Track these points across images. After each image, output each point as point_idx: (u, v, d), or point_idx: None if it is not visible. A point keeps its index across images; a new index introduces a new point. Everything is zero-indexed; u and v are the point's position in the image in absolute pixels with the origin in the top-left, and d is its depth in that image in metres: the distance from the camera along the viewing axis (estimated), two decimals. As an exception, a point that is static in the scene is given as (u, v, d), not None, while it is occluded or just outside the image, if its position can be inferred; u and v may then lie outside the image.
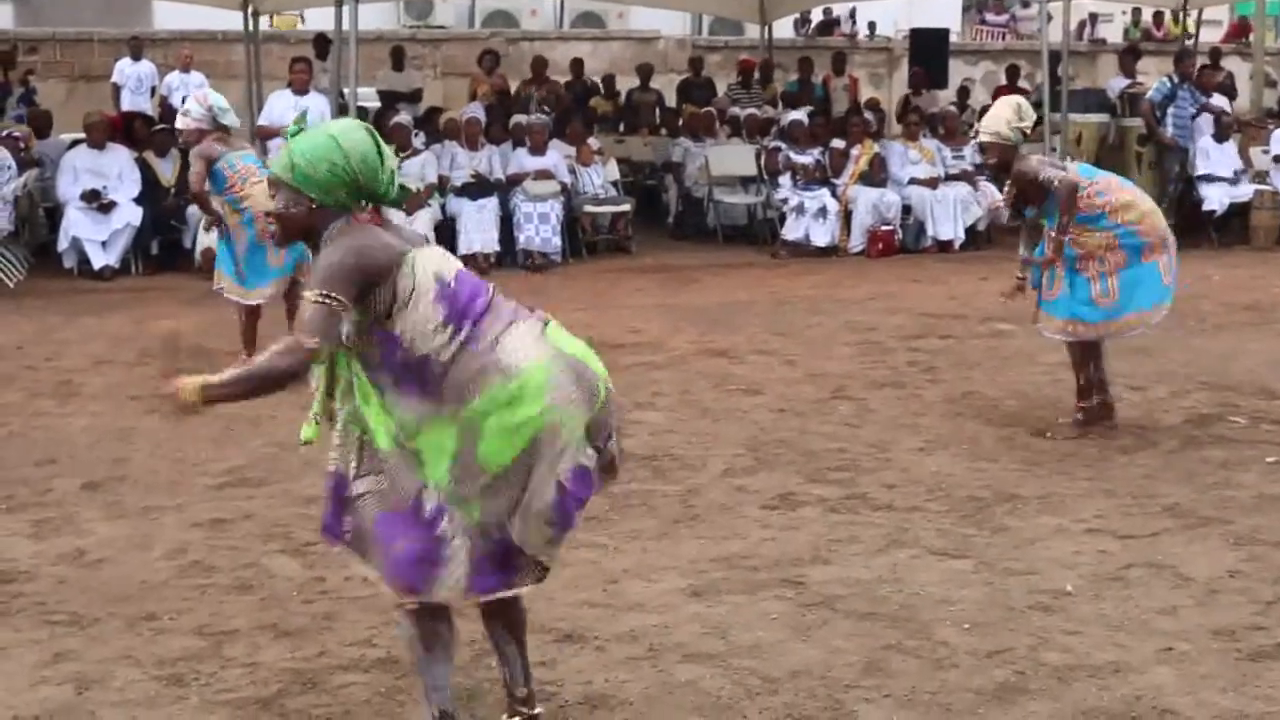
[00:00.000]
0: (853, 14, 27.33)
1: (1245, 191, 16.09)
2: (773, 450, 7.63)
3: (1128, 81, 17.97)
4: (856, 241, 15.64)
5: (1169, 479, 7.09)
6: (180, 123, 9.77)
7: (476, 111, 16.30)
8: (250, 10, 17.42)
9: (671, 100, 19.77)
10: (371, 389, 3.99)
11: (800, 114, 16.97)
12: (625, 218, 15.88)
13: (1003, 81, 20.68)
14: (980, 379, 9.24)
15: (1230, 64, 21.11)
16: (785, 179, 15.97)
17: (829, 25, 26.78)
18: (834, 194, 15.75)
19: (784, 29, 24.13)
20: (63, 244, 14.06)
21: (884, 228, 15.65)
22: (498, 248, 14.65)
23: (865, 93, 21.52)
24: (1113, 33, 27.93)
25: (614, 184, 16.20)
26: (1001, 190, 8.20)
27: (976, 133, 8.14)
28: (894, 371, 9.57)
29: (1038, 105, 16.83)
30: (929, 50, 21.13)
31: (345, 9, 13.92)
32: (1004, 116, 7.74)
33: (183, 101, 11.56)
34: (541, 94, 18.18)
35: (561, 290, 13.13)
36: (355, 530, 4.07)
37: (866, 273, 14.27)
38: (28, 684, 4.81)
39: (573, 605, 5.43)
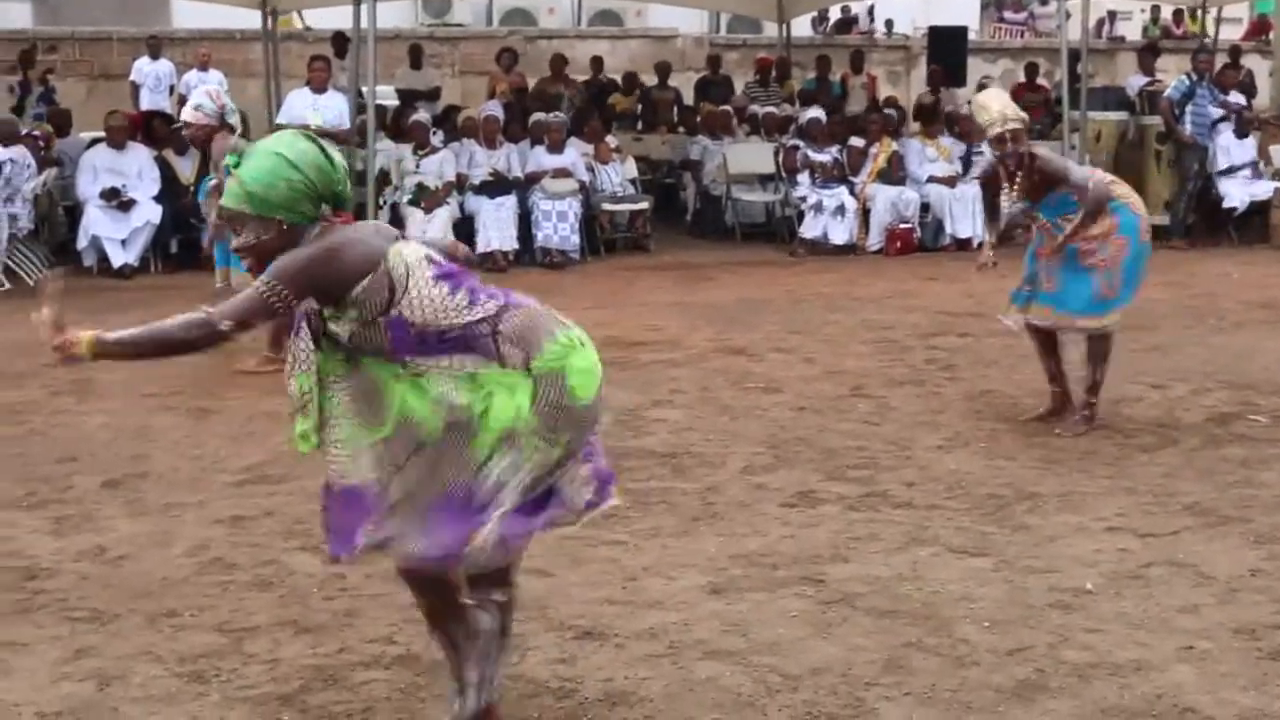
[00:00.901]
0: (870, 11, 27.31)
1: (1265, 190, 16.05)
2: (792, 448, 7.63)
3: (1147, 79, 17.95)
4: (874, 240, 15.63)
5: (1189, 477, 7.07)
6: (191, 117, 9.68)
7: (495, 109, 16.31)
8: (269, 9, 17.45)
9: (689, 98, 19.77)
10: (398, 376, 3.97)
11: (818, 112, 16.96)
12: (643, 216, 15.88)
13: (1021, 79, 20.64)
14: (999, 377, 9.22)
15: (1250, 62, 21.05)
16: (803, 177, 15.96)
17: (847, 23, 26.78)
18: (852, 192, 15.74)
19: (802, 27, 24.12)
20: (82, 242, 14.10)
21: (902, 226, 15.63)
22: (516, 246, 14.66)
23: (883, 91, 21.51)
24: (1131, 30, 27.86)
25: (632, 182, 16.21)
26: (1008, 184, 8.07)
27: (998, 125, 7.95)
28: (913, 369, 9.56)
29: (1057, 102, 16.90)
30: (947, 48, 21.09)
31: (363, 7, 13.94)
32: (1009, 106, 7.74)
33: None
34: (572, 92, 18.20)
35: (579, 288, 13.14)
36: (390, 535, 3.99)
37: (884, 271, 14.26)
38: (49, 680, 4.82)
39: (592, 602, 5.44)
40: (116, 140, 14.31)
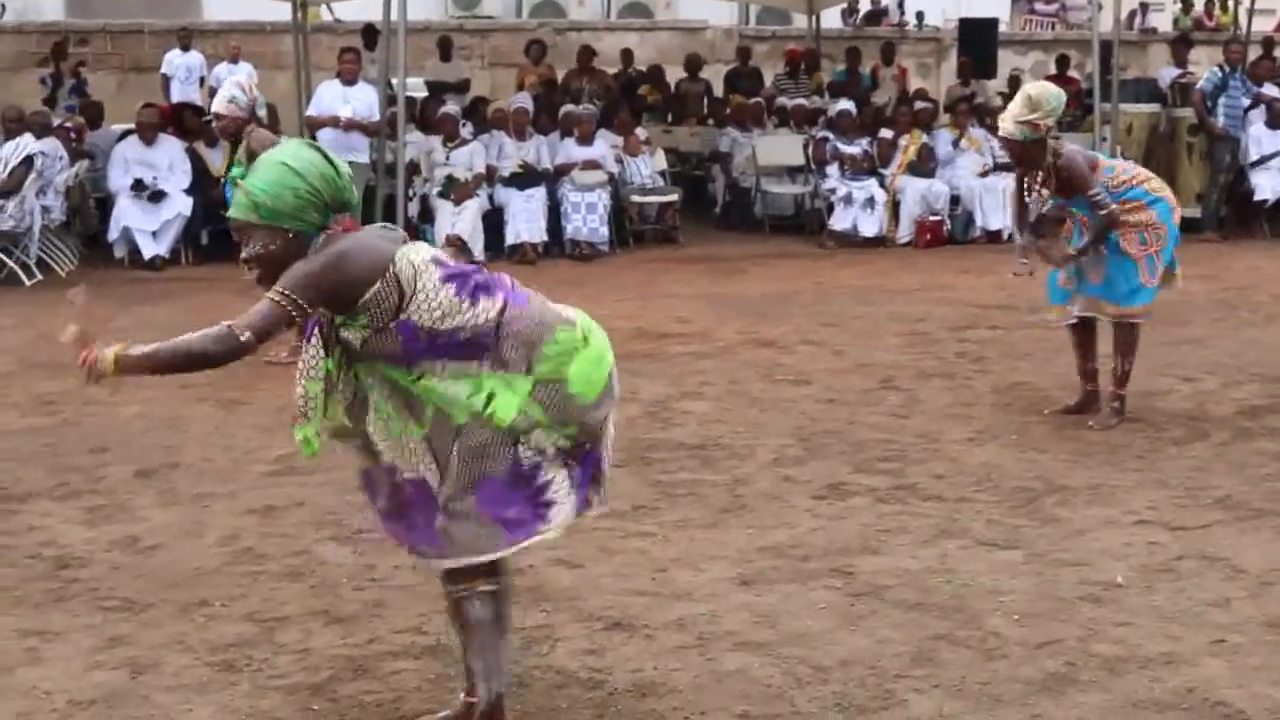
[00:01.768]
0: (900, 3, 27.22)
1: (1298, 182, 15.97)
2: (821, 440, 7.62)
3: (1179, 71, 17.83)
4: (904, 232, 15.60)
5: (1220, 470, 7.05)
6: (224, 109, 9.67)
7: (524, 101, 16.31)
8: (299, 1, 17.48)
9: (719, 90, 19.75)
10: (408, 380, 4.00)
11: (848, 104, 16.92)
12: (672, 208, 15.88)
13: (1053, 71, 20.54)
14: (1029, 369, 9.20)
15: (1283, 53, 20.90)
16: (833, 169, 15.94)
17: (877, 15, 26.68)
18: (882, 184, 15.71)
19: (832, 19, 24.04)
20: (113, 234, 14.17)
21: (932, 218, 15.60)
22: (545, 238, 14.67)
23: (914, 83, 21.43)
24: (1163, 22, 27.73)
25: (661, 174, 16.21)
26: (1023, 184, 8.09)
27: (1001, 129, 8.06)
28: (942, 362, 9.54)
29: (1088, 94, 16.83)
30: (978, 40, 21.01)
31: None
32: (1012, 113, 7.70)
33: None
34: (593, 86, 18.20)
35: (608, 280, 13.15)
36: (447, 533, 4.01)
37: (914, 263, 14.23)
38: (83, 668, 4.85)
39: (621, 594, 5.45)
40: (147, 136, 14.37)
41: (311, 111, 14.61)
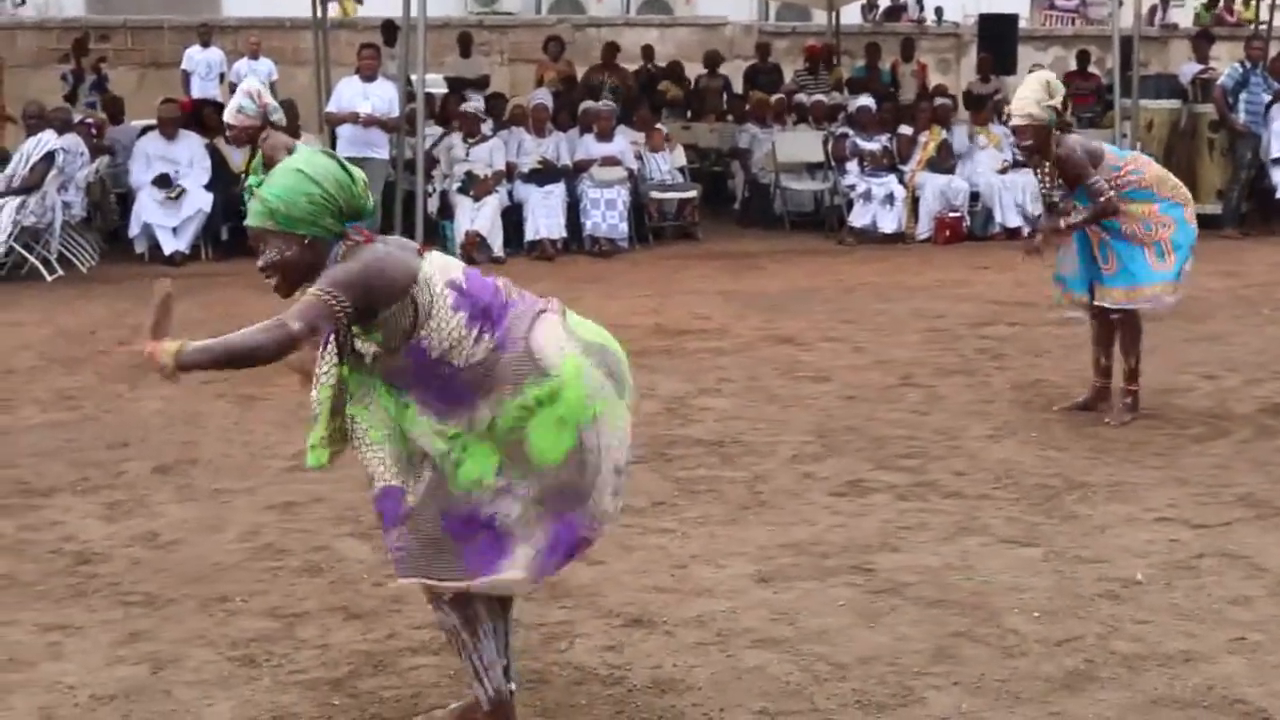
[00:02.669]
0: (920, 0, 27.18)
1: (1320, 178, 15.91)
2: (841, 437, 7.62)
3: (1200, 67, 17.77)
4: (924, 228, 15.58)
5: (1241, 468, 7.03)
6: (234, 119, 9.74)
7: (544, 98, 16.33)
8: (318, -3, 17.52)
9: (738, 86, 19.73)
10: (402, 401, 4.01)
11: (867, 100, 16.90)
12: (692, 204, 15.89)
13: (1073, 67, 20.49)
14: (1049, 366, 9.18)
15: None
16: (852, 165, 15.92)
17: (896, 11, 26.64)
18: (901, 180, 15.69)
19: (851, 14, 24.02)
20: (134, 230, 14.22)
21: (951, 214, 15.58)
22: (564, 234, 14.68)
23: (933, 79, 21.41)
24: (1184, 17, 27.64)
25: (681, 170, 16.20)
26: (1035, 172, 8.15)
27: (1008, 115, 8.06)
28: (962, 359, 9.53)
29: (1109, 90, 16.78)
30: (997, 36, 20.98)
31: (413, -6, 13.98)
32: (1034, 96, 7.67)
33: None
34: (614, 81, 18.20)
35: (628, 276, 13.16)
36: (407, 549, 4.00)
37: (934, 259, 14.21)
38: (104, 663, 4.87)
39: (641, 590, 5.45)
40: (168, 132, 14.41)
41: (331, 108, 14.63)
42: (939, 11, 27.22)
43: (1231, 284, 12.27)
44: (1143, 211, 7.73)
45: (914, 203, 15.65)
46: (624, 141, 15.44)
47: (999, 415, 8.05)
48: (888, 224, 15.51)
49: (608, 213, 14.69)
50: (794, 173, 16.58)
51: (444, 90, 17.45)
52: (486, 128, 15.14)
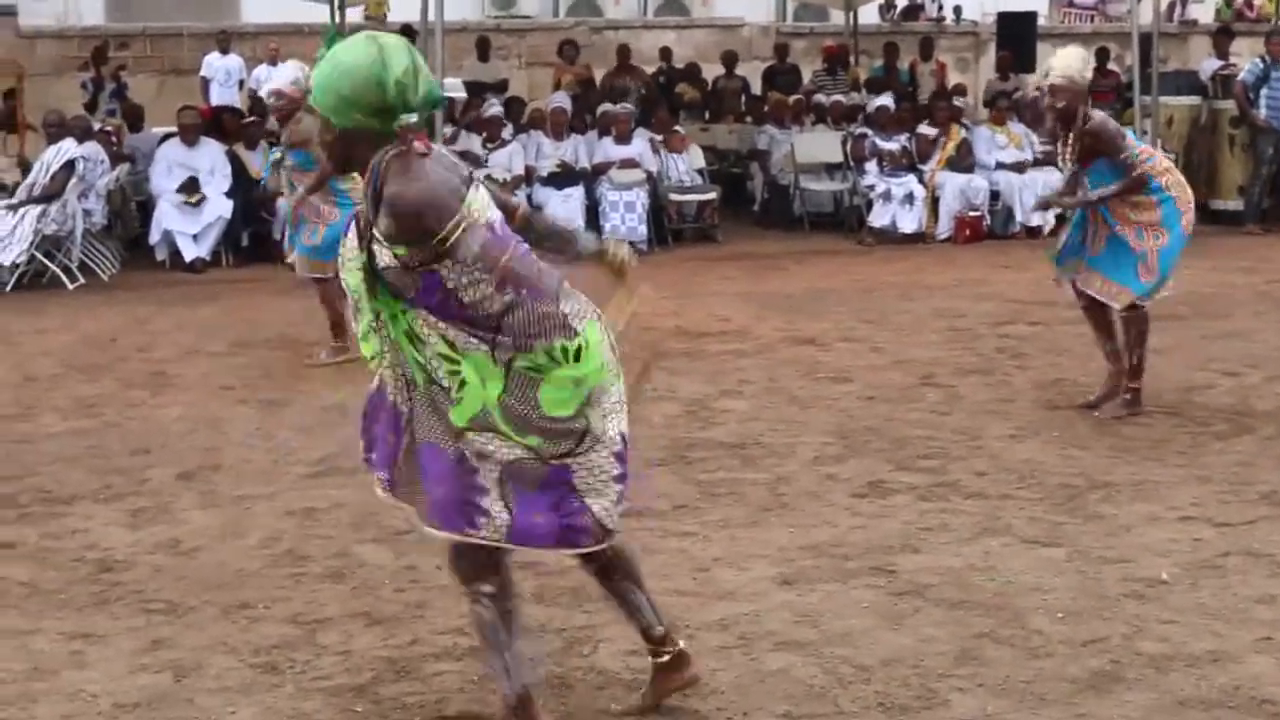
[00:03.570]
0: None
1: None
2: (862, 438, 7.60)
3: (1220, 63, 17.70)
4: (943, 228, 15.53)
5: (1266, 466, 6.99)
6: (288, 88, 9.58)
7: (562, 101, 16.33)
8: (337, 3, 17.53)
9: (757, 87, 19.71)
10: (406, 319, 3.96)
11: (886, 100, 16.87)
12: (711, 206, 15.87)
13: (1093, 64, 20.44)
14: (1070, 365, 9.14)
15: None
16: (871, 165, 15.89)
17: (914, 9, 26.58)
18: (921, 180, 15.65)
19: (869, 14, 23.97)
20: (154, 237, 14.26)
21: (971, 214, 15.53)
22: (584, 237, 14.66)
23: (952, 78, 21.36)
24: (1204, 13, 27.51)
25: (700, 172, 16.18)
26: (1054, 144, 8.12)
27: (1034, 92, 8.04)
28: (983, 358, 9.50)
29: (1128, 87, 16.72)
30: (1016, 34, 20.90)
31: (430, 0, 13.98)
32: (1077, 64, 7.69)
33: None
34: (638, 83, 18.20)
35: (648, 277, 13.10)
36: (400, 471, 4.09)
37: (954, 259, 14.18)
38: (127, 670, 4.87)
39: (663, 593, 5.41)
40: (189, 139, 14.44)
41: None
42: (957, 10, 27.14)
43: (1253, 280, 12.22)
44: (1144, 218, 7.70)
45: (934, 202, 15.61)
46: (642, 144, 15.43)
47: (1020, 415, 8.03)
48: (907, 224, 15.47)
49: (627, 215, 14.69)
50: (813, 173, 16.55)
51: (462, 94, 17.46)
52: (506, 132, 15.15)
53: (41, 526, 6.40)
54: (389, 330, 3.99)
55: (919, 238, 15.41)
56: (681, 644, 4.47)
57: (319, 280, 9.31)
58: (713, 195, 15.88)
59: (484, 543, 4.01)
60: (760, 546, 5.95)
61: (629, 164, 15.02)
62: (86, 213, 13.50)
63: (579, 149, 15.36)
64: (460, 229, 3.84)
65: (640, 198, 14.78)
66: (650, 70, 19.49)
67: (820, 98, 18.05)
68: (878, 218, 15.57)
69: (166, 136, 15.04)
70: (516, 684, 4.18)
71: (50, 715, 4.56)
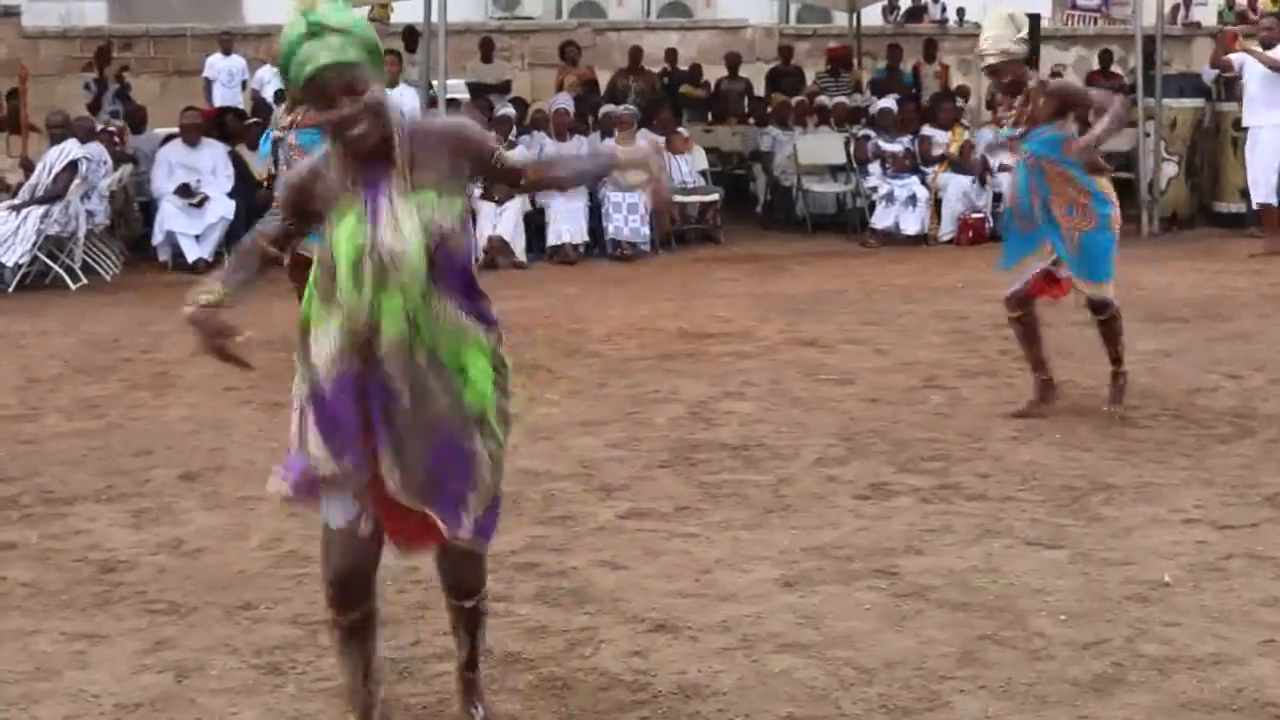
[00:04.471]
0: (940, 2, 27.11)
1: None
2: (864, 439, 7.60)
3: (1224, 66, 17.68)
4: (947, 229, 15.54)
5: (1269, 468, 6.98)
6: None
7: (565, 102, 16.33)
8: (339, 4, 17.52)
9: (760, 89, 19.73)
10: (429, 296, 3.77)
11: (889, 101, 16.87)
12: (714, 207, 15.88)
13: (1095, 66, 20.44)
14: (1073, 367, 9.12)
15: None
16: (874, 167, 15.90)
17: (917, 11, 26.59)
18: (924, 182, 15.65)
19: (872, 16, 23.98)
20: (157, 238, 14.28)
21: (974, 215, 15.53)
22: (586, 238, 14.69)
23: (955, 79, 21.36)
24: (1207, 16, 27.53)
25: (702, 173, 16.20)
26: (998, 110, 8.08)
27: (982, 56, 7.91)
28: (986, 360, 9.50)
29: (1131, 89, 16.73)
30: (1020, 36, 20.87)
31: (434, 1, 13.98)
32: (1007, 35, 7.63)
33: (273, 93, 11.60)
34: (639, 85, 18.20)
35: (650, 280, 13.15)
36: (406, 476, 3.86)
37: (957, 261, 14.17)
38: (129, 671, 4.87)
39: (665, 595, 5.43)
40: (191, 137, 14.45)
41: (353, 113, 14.63)
42: (960, 12, 27.15)
43: (1257, 282, 12.22)
44: (1072, 196, 7.65)
45: (937, 204, 15.61)
46: (645, 145, 15.42)
47: (1023, 417, 8.01)
48: (910, 225, 15.48)
49: (629, 216, 14.70)
50: (816, 175, 16.57)
51: (466, 95, 17.47)
52: (511, 134, 15.16)
53: (44, 527, 6.40)
54: (396, 316, 3.74)
55: (922, 239, 15.42)
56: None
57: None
58: (715, 197, 15.89)
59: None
60: (763, 548, 5.95)
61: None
62: (89, 213, 13.50)
63: (582, 150, 15.35)
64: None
65: (643, 199, 14.77)
66: (653, 72, 19.49)
67: (823, 99, 18.08)
68: (881, 219, 15.58)
69: (169, 137, 15.06)
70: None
71: (53, 716, 4.56)
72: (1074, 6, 30.28)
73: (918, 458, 7.25)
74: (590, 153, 4.22)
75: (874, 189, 15.72)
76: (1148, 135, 16.05)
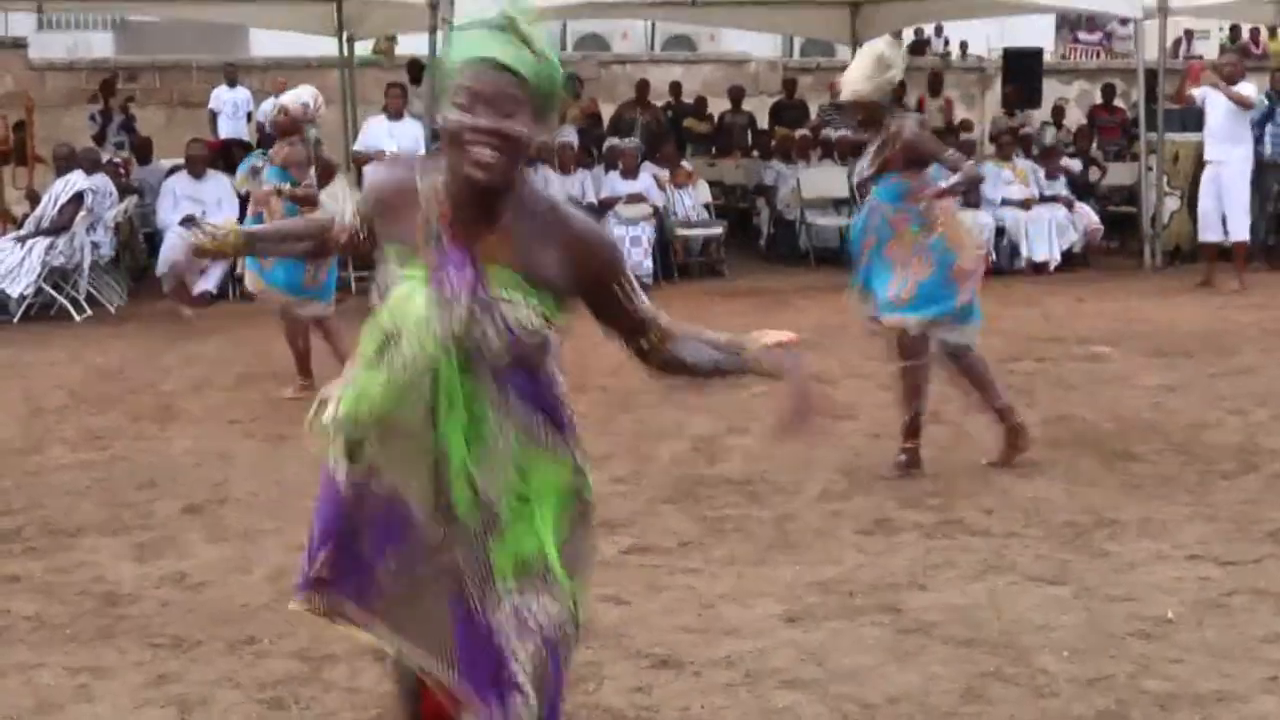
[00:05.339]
0: (938, 31, 27.18)
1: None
2: (868, 475, 7.60)
3: (1225, 100, 17.72)
4: (950, 263, 15.52)
5: (1272, 504, 6.98)
6: (296, 108, 9.75)
7: (569, 136, 16.38)
8: (345, 36, 17.62)
9: (763, 122, 19.78)
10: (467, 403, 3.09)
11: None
12: (717, 241, 15.91)
13: (1098, 100, 20.50)
14: (1077, 402, 9.14)
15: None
16: (877, 201, 15.91)
17: (920, 45, 26.69)
18: (927, 215, 15.66)
19: (876, 50, 24.05)
20: (162, 269, 14.27)
21: (976, 250, 15.51)
22: (591, 271, 14.69)
23: (958, 113, 21.43)
24: (1209, 49, 27.64)
25: (706, 207, 16.23)
26: (861, 150, 7.96)
27: (837, 93, 7.89)
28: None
29: (1134, 123, 16.76)
30: (1022, 70, 20.97)
31: (439, 34, 14.04)
32: (862, 73, 7.50)
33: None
34: (645, 118, 18.26)
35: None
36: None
37: (960, 294, 14.14)
38: (132, 705, 4.87)
39: (669, 630, 5.43)
40: (196, 169, 14.50)
41: (358, 147, 14.72)
42: (964, 46, 27.26)
43: (1260, 317, 12.22)
44: (910, 241, 7.58)
45: (940, 238, 15.61)
46: (649, 179, 15.47)
47: (1026, 452, 8.01)
48: (913, 259, 15.48)
49: (633, 249, 14.70)
50: (819, 208, 16.60)
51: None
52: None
53: (48, 559, 6.40)
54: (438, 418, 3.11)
55: (924, 273, 15.41)
56: None
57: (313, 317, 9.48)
58: (719, 230, 15.92)
59: None
60: (766, 583, 5.95)
61: (636, 199, 15.06)
62: (94, 245, 13.55)
63: (586, 184, 15.41)
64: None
65: (647, 232, 14.82)
66: (658, 105, 19.56)
67: (827, 132, 18.10)
68: (884, 253, 15.58)
69: (174, 169, 15.11)
70: None
71: (56, 750, 4.56)
72: (1076, 40, 30.41)
73: (921, 493, 7.25)
74: (726, 342, 3.46)
75: (877, 223, 15.73)
76: (1150, 169, 16.07)
